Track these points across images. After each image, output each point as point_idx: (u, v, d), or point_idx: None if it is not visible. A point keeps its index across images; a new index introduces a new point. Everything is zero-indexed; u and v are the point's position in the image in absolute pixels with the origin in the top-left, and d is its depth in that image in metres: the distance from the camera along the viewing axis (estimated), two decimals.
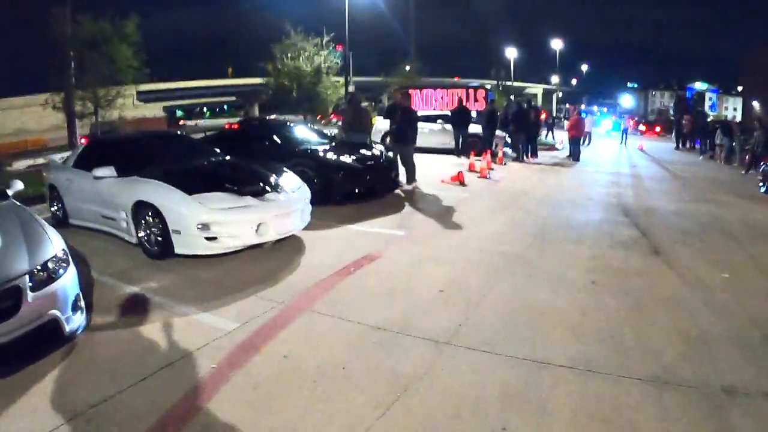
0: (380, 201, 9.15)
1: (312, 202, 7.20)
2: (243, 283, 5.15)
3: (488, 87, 24.67)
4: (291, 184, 6.64)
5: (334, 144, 9.73)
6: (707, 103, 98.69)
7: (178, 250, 5.79)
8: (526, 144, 17.16)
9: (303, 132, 10.46)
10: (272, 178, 6.51)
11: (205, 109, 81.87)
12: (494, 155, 15.58)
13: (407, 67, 45.69)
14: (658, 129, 47.48)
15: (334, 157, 8.91)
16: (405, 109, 10.73)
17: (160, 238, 5.89)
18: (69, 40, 14.21)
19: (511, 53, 62.40)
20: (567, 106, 34.94)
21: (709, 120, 27.22)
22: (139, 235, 6.13)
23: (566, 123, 51.40)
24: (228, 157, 7.58)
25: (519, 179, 12.79)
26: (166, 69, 65.69)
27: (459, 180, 11.37)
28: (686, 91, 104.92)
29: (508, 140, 18.58)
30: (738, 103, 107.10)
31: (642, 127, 48.36)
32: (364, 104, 11.68)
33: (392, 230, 7.26)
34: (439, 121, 18.70)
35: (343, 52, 23.47)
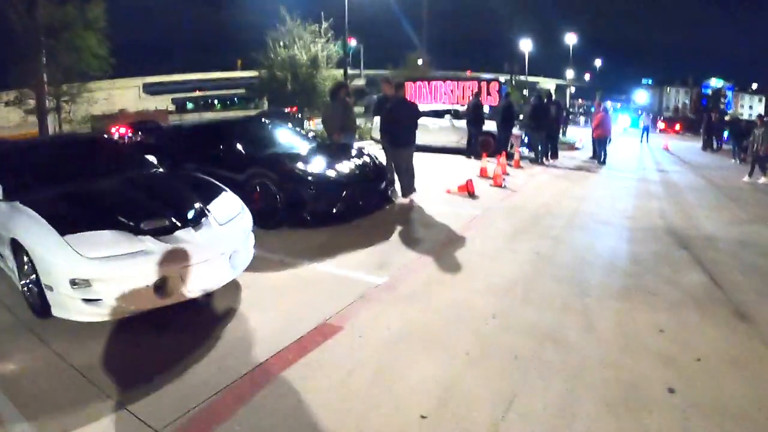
0: (365, 222, 7.12)
1: (273, 225, 5.23)
2: (104, 386, 3.19)
3: (502, 80, 22.44)
4: (224, 212, 4.62)
5: (310, 149, 7.68)
6: (722, 101, 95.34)
7: (55, 312, 3.86)
8: (546, 143, 15.01)
9: (275, 134, 8.38)
10: (194, 205, 4.50)
11: (216, 101, 79.86)
12: (509, 156, 13.48)
13: (419, 61, 43.61)
14: (677, 127, 44.75)
15: (304, 166, 6.80)
16: (399, 103, 8.57)
17: (37, 291, 3.99)
18: (37, 27, 12.16)
19: (526, 45, 59.88)
20: (580, 101, 32.04)
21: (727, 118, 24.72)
22: (21, 282, 4.25)
23: (581, 119, 49.53)
24: (159, 170, 5.63)
25: (539, 188, 10.68)
26: (177, 61, 64.00)
27: (468, 190, 9.29)
28: (701, 88, 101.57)
29: (525, 139, 16.50)
30: (755, 101, 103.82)
31: (661, 125, 45.64)
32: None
33: (370, 274, 5.19)
34: (448, 116, 16.58)
35: (345, 42, 21.23)
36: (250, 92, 24.62)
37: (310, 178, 6.63)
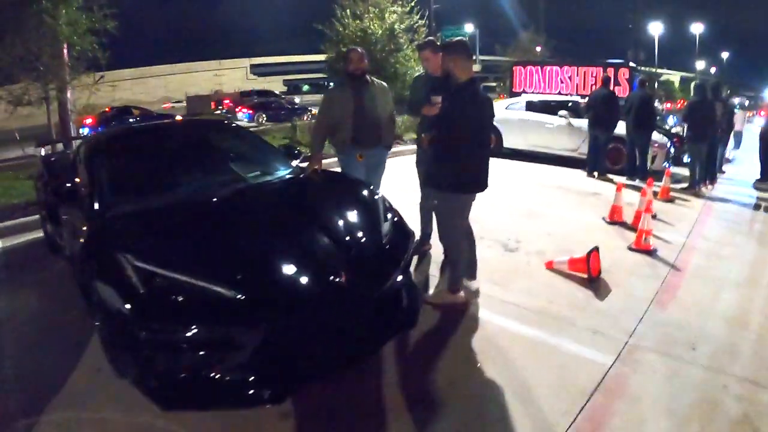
0: (338, 390, 2.98)
1: None
2: None
3: (634, 65, 16.95)
4: None
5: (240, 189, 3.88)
6: None
7: None
8: (707, 161, 9.73)
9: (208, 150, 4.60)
10: None
11: (307, 85, 74.15)
12: (641, 176, 8.68)
13: (538, 48, 37.87)
14: None
15: (149, 256, 2.75)
16: (465, 94, 3.84)
17: None
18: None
19: (656, 29, 51.18)
20: (736, 100, 23.90)
21: None
22: None
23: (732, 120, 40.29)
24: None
25: (718, 260, 5.75)
26: (286, 43, 61.93)
27: (589, 272, 4.72)
28: None
29: (671, 150, 11.33)
30: None
31: None
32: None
33: None
34: (563, 113, 11.72)
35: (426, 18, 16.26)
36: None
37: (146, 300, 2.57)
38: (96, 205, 3.47)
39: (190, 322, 2.49)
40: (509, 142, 12.15)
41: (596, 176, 9.94)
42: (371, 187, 4.00)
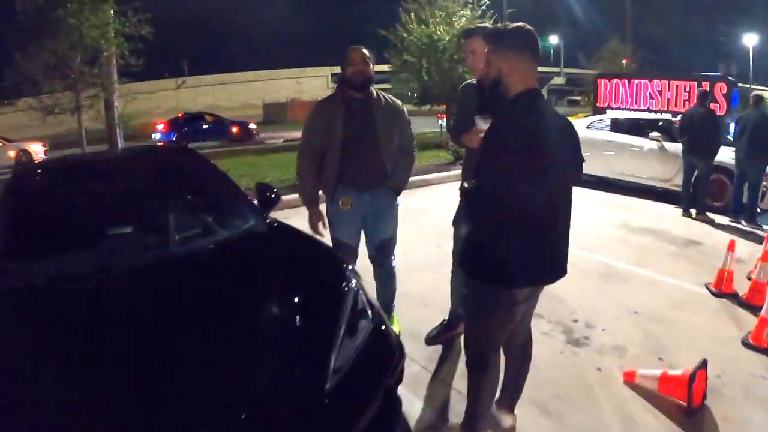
0: None
1: None
2: None
3: (732, 79, 14.40)
4: None
5: None
6: None
7: None
8: None
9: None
10: None
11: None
12: (749, 215, 6.79)
13: (624, 61, 34.97)
14: None
15: None
16: (536, 112, 2.21)
17: None
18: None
19: (750, 40, 45.64)
20: None
21: None
22: None
23: None
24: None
25: None
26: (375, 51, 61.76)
27: (692, 396, 3.00)
28: None
29: None
30: None
31: None
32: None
33: None
34: (654, 134, 9.70)
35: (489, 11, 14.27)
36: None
37: None
38: None
39: None
40: (590, 167, 10.13)
41: (694, 216, 7.94)
42: (344, 268, 2.57)
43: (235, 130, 25.50)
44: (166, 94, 41.14)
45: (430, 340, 3.77)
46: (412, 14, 14.76)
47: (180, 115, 26.59)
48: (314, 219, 3.59)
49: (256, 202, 3.45)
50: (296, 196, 4.25)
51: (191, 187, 3.54)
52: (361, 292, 2.45)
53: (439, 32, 14.50)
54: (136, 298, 2.29)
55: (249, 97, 45.74)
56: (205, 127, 25.66)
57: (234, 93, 46.49)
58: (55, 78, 8.80)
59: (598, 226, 7.21)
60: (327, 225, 3.63)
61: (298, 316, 2.20)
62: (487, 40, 2.34)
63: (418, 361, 3.50)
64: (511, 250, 2.15)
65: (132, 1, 9.27)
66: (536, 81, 2.25)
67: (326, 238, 3.54)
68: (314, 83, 55.38)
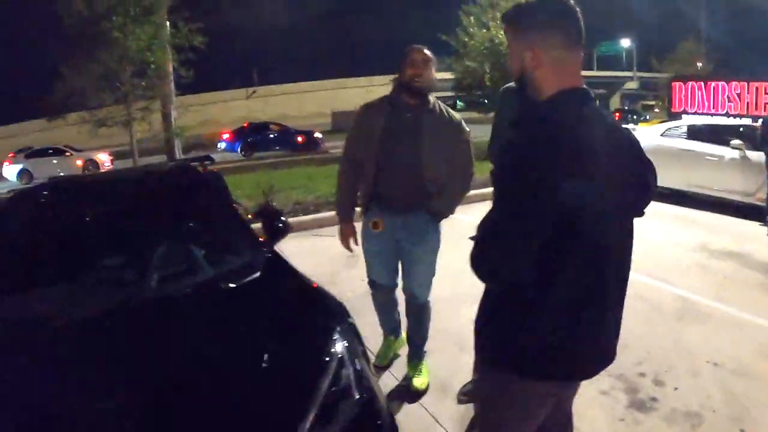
0: None
1: None
2: None
3: None
4: None
5: None
6: None
7: None
8: None
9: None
10: None
11: (460, 102, 72.47)
12: None
13: (699, 64, 32.85)
14: None
15: None
16: (522, 119, 1.59)
17: None
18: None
19: None
20: None
21: None
22: None
23: None
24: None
25: None
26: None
27: None
28: None
29: None
30: None
31: None
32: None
33: None
34: (736, 142, 8.59)
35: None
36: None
37: None
38: None
39: None
40: (666, 179, 9.11)
41: None
42: (331, 330, 2.04)
43: (300, 139, 25.47)
44: (236, 104, 42.22)
45: (463, 397, 3.12)
46: (472, 18, 14.16)
47: (245, 124, 26.92)
48: (345, 234, 3.23)
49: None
50: None
51: (186, 215, 3.13)
52: (348, 361, 1.90)
53: (501, 36, 13.95)
54: (85, 351, 1.96)
55: (319, 106, 46.13)
56: (270, 136, 25.88)
57: (304, 102, 47.01)
58: (104, 90, 8.85)
59: (673, 249, 6.33)
60: (359, 242, 3.26)
61: (259, 393, 1.69)
62: (506, 21, 1.64)
63: (443, 424, 2.90)
64: (528, 330, 1.48)
65: (182, 11, 9.19)
66: (579, 77, 1.53)
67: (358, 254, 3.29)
68: (383, 91, 55.34)
